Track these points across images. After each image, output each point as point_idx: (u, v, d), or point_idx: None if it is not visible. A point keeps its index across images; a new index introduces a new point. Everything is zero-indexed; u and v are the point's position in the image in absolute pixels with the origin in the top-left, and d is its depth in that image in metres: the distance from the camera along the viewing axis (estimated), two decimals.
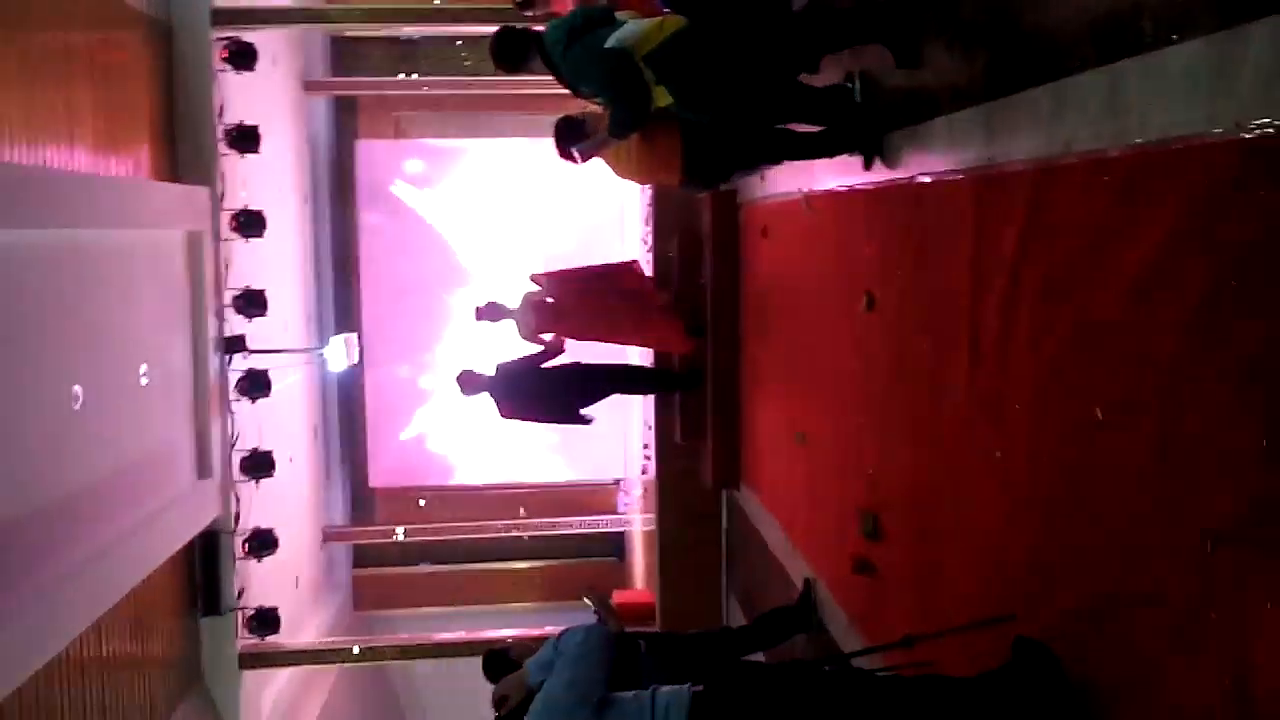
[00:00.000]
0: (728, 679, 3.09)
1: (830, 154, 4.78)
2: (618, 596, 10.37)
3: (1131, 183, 2.63)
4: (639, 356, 9.61)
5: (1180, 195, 2.45)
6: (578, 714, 2.85)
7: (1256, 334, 2.22)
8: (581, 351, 8.05)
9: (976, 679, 3.09)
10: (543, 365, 7.73)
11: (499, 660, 4.09)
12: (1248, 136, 2.23)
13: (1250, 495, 2.23)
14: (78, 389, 6.17)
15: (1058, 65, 2.99)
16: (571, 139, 4.71)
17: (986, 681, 3.07)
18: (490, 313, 7.82)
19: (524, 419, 8.16)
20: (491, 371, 7.76)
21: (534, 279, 7.87)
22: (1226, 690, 2.30)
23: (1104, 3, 2.77)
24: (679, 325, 7.88)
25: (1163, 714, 2.57)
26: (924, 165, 4.02)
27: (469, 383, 7.86)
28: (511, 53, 4.52)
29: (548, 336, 7.75)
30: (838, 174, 5.11)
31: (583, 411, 7.87)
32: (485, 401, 7.92)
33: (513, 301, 7.76)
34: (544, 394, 7.80)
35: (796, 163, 5.61)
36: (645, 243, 9.64)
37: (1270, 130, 2.17)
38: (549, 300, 7.75)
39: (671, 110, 4.35)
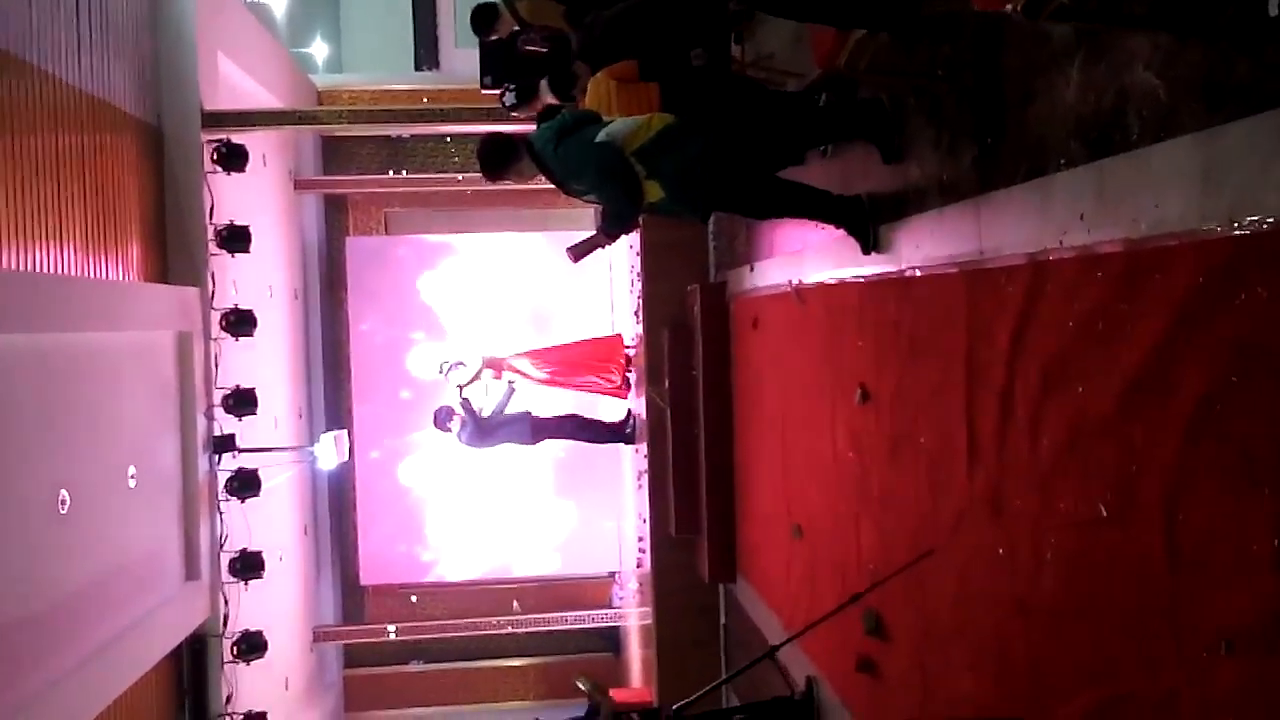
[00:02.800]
0: None
1: (827, 219, 4.70)
2: (614, 695, 10.16)
3: (1126, 278, 2.63)
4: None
5: (1176, 291, 2.44)
6: None
7: (1259, 431, 2.19)
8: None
9: None
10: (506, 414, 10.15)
11: None
12: (1241, 232, 2.23)
13: (1262, 597, 2.18)
14: (64, 492, 6.09)
15: (1045, 161, 3.01)
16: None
17: None
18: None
19: (483, 446, 10.23)
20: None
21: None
22: None
23: (1089, 101, 2.79)
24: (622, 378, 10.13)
25: None
26: (915, 258, 4.02)
27: (444, 418, 10.08)
28: (500, 156, 4.52)
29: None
30: (828, 266, 5.12)
31: (536, 442, 10.33)
32: (451, 439, 10.25)
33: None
34: (505, 428, 10.11)
35: (787, 251, 5.63)
36: (635, 334, 9.66)
37: (1263, 226, 2.17)
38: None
39: (661, 205, 4.37)
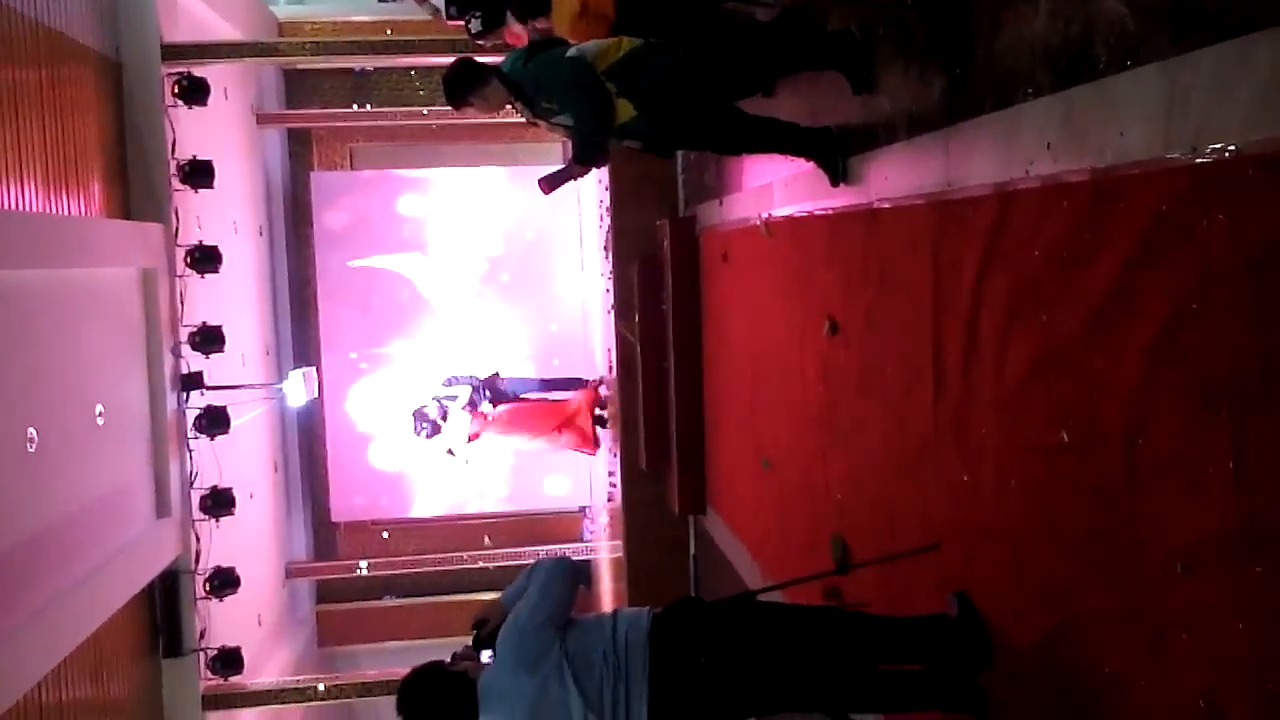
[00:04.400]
0: (683, 606, 3.31)
1: (797, 152, 4.72)
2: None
3: (1091, 206, 2.65)
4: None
5: (1139, 219, 2.47)
6: (543, 635, 3.13)
7: (1218, 356, 2.24)
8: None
9: (915, 620, 3.38)
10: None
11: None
12: (1203, 160, 2.25)
13: (1219, 517, 2.24)
14: (32, 431, 6.07)
15: (1013, 91, 3.02)
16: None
17: (923, 623, 3.36)
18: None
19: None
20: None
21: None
22: (1200, 711, 2.31)
23: (1057, 31, 2.80)
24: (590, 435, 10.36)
25: None
26: (883, 190, 4.04)
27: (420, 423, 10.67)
28: (466, 79, 4.46)
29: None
30: (797, 199, 5.13)
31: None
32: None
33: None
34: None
35: (756, 184, 5.62)
36: (605, 268, 9.65)
37: (1225, 154, 2.20)
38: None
39: (633, 126, 4.33)
